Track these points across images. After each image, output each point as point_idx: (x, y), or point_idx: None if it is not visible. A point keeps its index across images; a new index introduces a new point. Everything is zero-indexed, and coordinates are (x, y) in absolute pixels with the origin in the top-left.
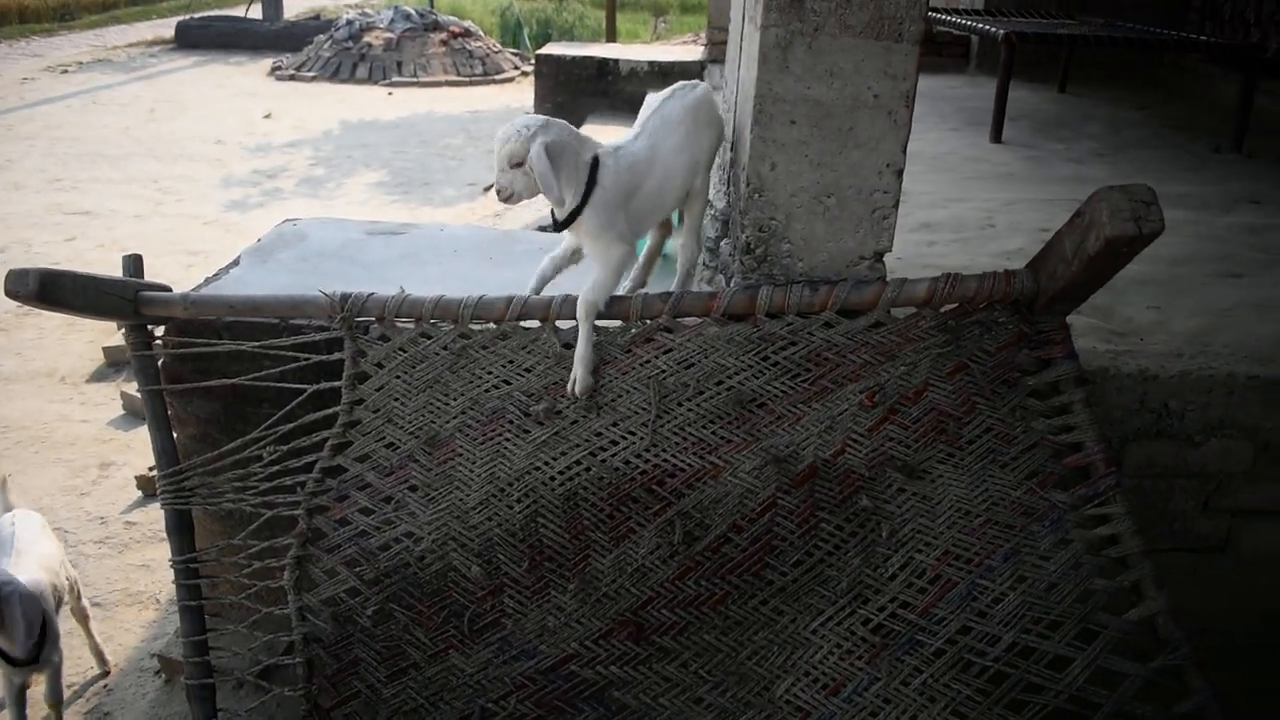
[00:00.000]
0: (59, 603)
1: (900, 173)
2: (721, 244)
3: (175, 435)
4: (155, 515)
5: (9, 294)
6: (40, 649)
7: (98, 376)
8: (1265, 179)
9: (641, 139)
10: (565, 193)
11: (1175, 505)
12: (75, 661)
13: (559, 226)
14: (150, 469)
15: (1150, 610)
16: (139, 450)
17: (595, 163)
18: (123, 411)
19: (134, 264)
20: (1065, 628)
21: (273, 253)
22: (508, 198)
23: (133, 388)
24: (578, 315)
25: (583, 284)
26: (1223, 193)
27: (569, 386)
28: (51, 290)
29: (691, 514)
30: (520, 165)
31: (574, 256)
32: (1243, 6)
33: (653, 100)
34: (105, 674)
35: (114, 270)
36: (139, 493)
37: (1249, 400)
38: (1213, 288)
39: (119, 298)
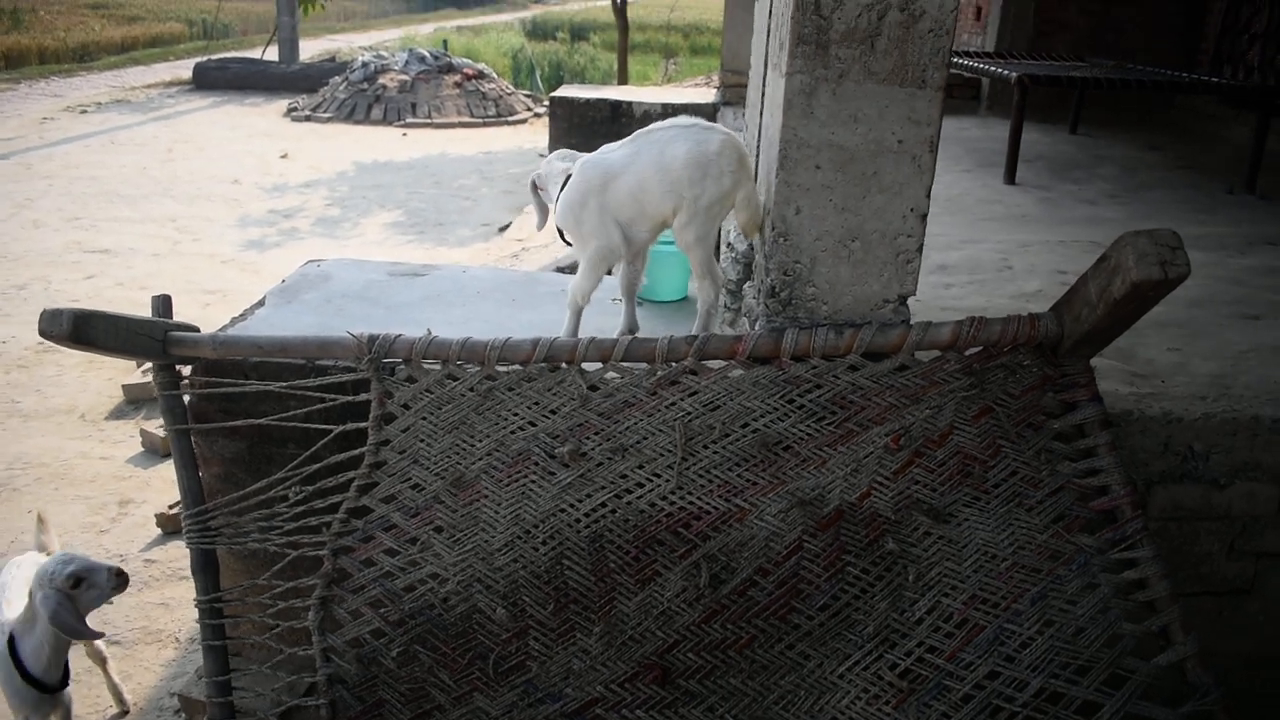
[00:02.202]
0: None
1: (924, 217)
2: (744, 287)
3: (200, 474)
4: (174, 553)
5: (43, 334)
6: (65, 677)
7: (117, 414)
8: None
9: (626, 146)
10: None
11: (1201, 548)
12: (94, 701)
13: (562, 238)
14: (170, 507)
15: (1179, 655)
16: (158, 488)
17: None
18: (142, 449)
19: (163, 304)
20: (1094, 672)
21: (298, 293)
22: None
23: (152, 425)
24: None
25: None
26: (1238, 234)
27: None
28: (84, 330)
29: (717, 557)
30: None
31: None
32: (1255, 49)
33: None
34: (124, 714)
35: (134, 308)
36: (158, 530)
37: (1274, 443)
38: (1231, 329)
39: (148, 338)
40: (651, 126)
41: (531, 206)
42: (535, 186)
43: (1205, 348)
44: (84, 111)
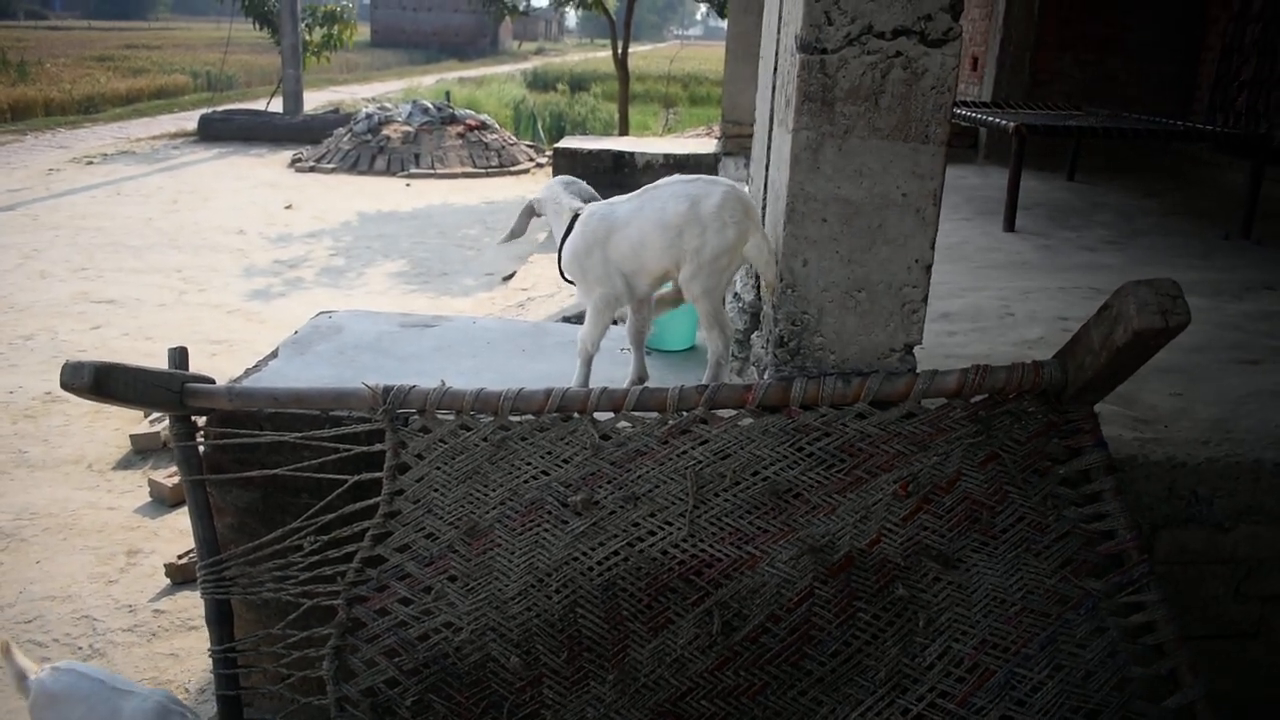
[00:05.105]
0: None
1: (929, 268)
2: (752, 337)
3: (215, 524)
4: (184, 603)
5: (65, 387)
6: None
7: (124, 464)
8: (1276, 265)
9: (633, 200)
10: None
11: (1206, 591)
12: None
13: (564, 279)
14: (179, 556)
15: (1188, 698)
16: (166, 538)
17: (577, 216)
18: (149, 499)
19: (179, 356)
20: (1105, 716)
21: (310, 345)
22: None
23: (159, 475)
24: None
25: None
26: (1235, 279)
27: None
28: (105, 383)
29: (729, 604)
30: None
31: (640, 310)
32: (1243, 96)
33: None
34: None
35: (141, 358)
36: (167, 581)
37: (1276, 486)
38: (1231, 374)
39: (166, 389)
40: (659, 182)
41: (515, 224)
42: (532, 210)
43: (1206, 393)
44: (90, 163)
